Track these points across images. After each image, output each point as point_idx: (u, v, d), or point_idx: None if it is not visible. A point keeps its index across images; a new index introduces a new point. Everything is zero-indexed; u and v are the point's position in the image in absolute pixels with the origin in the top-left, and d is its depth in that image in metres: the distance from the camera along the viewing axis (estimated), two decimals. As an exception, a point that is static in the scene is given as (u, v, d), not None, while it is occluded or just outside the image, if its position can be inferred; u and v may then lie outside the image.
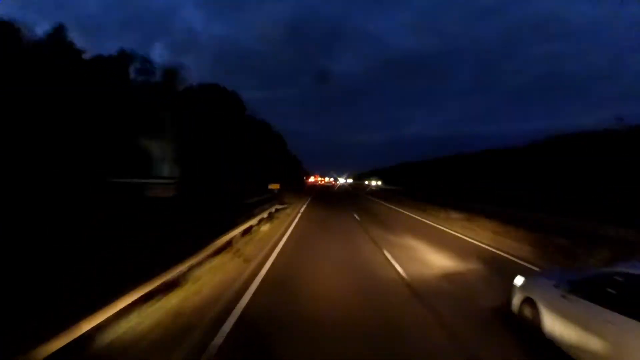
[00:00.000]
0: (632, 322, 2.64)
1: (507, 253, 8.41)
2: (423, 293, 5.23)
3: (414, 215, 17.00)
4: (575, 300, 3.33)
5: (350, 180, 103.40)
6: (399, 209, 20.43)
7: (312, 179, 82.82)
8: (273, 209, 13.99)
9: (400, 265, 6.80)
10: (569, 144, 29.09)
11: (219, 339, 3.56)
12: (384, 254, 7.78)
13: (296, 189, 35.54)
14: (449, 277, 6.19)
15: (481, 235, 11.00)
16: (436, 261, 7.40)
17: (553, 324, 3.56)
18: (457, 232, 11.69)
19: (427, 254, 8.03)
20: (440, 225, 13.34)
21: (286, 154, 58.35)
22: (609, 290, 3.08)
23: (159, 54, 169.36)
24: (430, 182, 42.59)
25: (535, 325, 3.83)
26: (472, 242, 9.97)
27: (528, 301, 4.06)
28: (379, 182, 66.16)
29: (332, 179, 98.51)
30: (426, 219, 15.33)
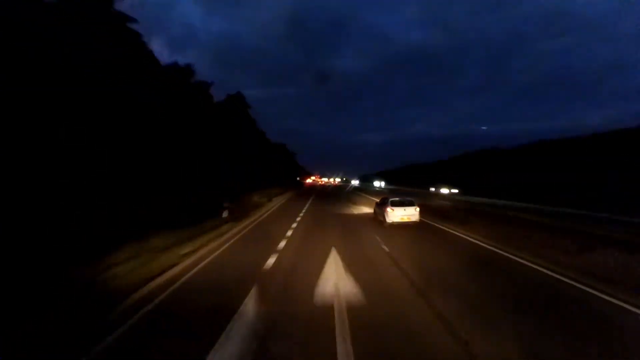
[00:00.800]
0: (387, 207, 11.03)
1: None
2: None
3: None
4: (380, 205, 11.90)
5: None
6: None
7: (310, 180, 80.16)
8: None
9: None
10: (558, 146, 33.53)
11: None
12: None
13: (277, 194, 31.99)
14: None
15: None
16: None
17: (375, 212, 12.71)
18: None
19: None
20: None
21: (270, 150, 47.10)
22: (385, 201, 11.59)
23: (156, 51, 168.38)
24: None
25: (376, 216, 12.16)
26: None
27: (374, 210, 13.03)
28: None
29: (333, 179, 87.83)
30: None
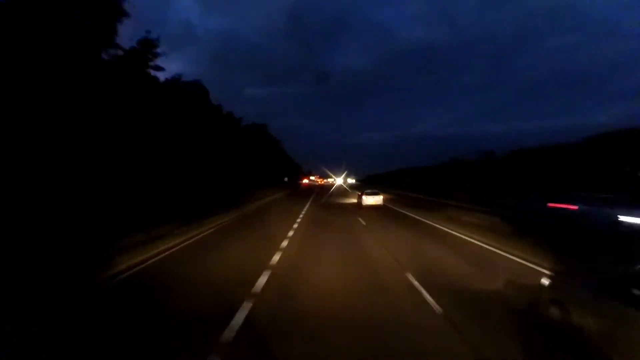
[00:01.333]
0: (362, 196, 19.98)
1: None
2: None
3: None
4: (360, 196, 20.28)
5: None
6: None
7: (307, 180, 77.76)
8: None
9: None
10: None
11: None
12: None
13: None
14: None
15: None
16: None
17: (358, 200, 20.24)
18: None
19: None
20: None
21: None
22: (362, 193, 20.29)
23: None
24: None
25: (359, 201, 20.44)
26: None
27: (357, 200, 21.41)
28: None
29: (344, 179, 78.72)
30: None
